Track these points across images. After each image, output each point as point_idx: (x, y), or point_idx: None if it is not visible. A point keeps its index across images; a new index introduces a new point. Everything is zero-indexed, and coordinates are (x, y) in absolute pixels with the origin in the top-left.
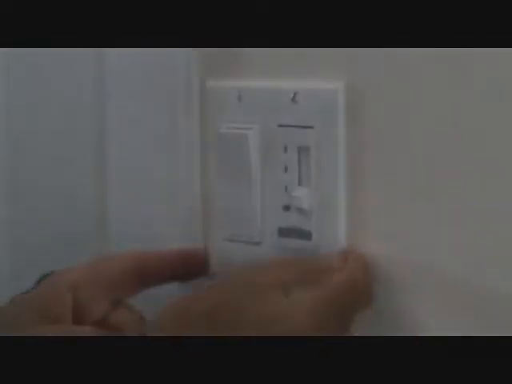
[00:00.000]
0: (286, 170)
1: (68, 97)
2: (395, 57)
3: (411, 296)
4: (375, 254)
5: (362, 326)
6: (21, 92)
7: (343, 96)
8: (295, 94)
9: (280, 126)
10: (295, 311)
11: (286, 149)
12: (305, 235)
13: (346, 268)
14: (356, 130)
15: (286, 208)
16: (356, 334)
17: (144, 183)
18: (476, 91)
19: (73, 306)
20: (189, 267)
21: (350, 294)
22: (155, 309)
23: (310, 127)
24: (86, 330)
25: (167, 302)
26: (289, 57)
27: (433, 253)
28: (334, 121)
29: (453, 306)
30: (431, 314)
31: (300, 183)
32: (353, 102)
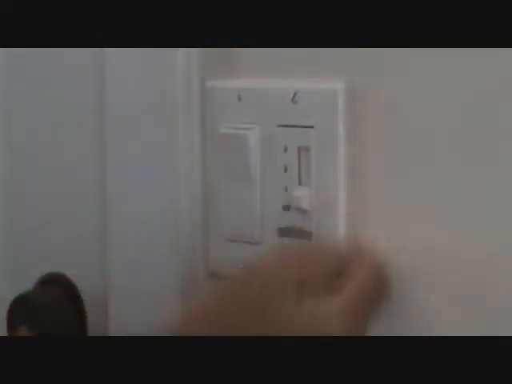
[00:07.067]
0: (285, 169)
1: (68, 97)
2: (395, 57)
3: (409, 295)
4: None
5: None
6: (21, 92)
7: (343, 96)
8: (295, 94)
9: (280, 125)
10: (322, 312)
11: (285, 149)
12: (305, 235)
13: (359, 271)
14: (356, 130)
15: (286, 208)
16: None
17: (144, 183)
18: (476, 91)
19: None
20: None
21: (366, 299)
22: (155, 310)
23: (310, 127)
24: None
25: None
26: (289, 57)
27: (433, 253)
28: (334, 121)
29: (463, 303)
30: (438, 312)
31: (300, 183)
32: (353, 101)
